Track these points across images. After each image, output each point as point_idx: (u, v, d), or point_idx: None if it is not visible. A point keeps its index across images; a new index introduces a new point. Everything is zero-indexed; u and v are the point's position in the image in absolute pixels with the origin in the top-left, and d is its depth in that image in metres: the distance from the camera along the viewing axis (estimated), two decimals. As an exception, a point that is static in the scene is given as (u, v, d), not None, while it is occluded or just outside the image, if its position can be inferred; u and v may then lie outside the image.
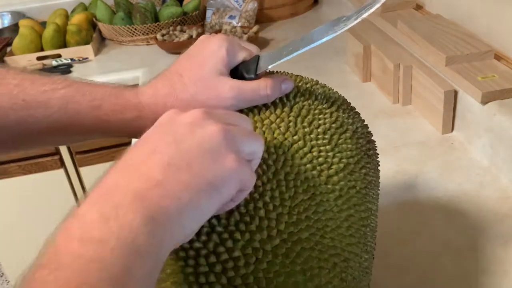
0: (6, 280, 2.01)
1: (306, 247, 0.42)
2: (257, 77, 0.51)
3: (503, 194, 0.77)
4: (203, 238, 0.40)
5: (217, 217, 0.40)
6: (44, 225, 1.55)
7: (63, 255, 0.29)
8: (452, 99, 0.89)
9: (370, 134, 0.57)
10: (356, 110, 0.57)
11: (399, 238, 0.70)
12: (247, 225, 0.40)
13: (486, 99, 0.82)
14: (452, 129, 0.92)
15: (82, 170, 1.50)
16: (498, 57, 0.91)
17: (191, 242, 0.40)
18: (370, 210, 0.50)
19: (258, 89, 0.49)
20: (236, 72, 0.51)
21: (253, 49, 0.53)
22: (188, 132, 0.36)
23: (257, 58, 0.52)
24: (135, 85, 0.55)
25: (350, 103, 0.57)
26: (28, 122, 0.50)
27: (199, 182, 0.34)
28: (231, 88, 0.49)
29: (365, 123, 0.57)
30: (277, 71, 0.57)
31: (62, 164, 1.49)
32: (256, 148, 0.39)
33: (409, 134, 0.94)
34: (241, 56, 0.52)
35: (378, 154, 0.57)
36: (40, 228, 1.55)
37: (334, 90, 0.57)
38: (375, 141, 0.57)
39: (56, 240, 0.30)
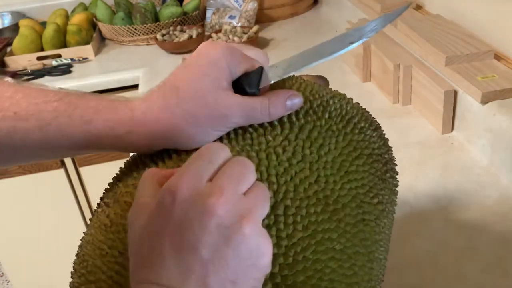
0: (6, 280, 2.02)
1: None
2: (259, 91, 0.47)
3: (503, 194, 0.77)
4: None
5: None
6: (44, 225, 1.55)
7: None
8: (452, 99, 0.89)
9: (389, 152, 0.52)
10: (378, 126, 0.53)
11: (399, 238, 0.70)
12: None
13: (486, 99, 0.82)
14: (452, 129, 0.92)
15: (82, 170, 1.50)
16: (498, 57, 0.91)
17: None
18: (380, 242, 0.46)
19: (260, 107, 0.45)
20: (237, 84, 0.47)
21: (259, 57, 0.49)
22: (224, 244, 0.33)
23: (260, 70, 0.47)
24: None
25: (371, 117, 0.53)
26: (18, 134, 0.48)
27: None
28: (231, 105, 0.45)
29: (385, 138, 0.52)
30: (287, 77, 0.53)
31: (62, 164, 1.49)
32: (264, 210, 0.37)
33: (409, 134, 0.94)
34: (243, 67, 0.47)
35: (397, 172, 0.53)
36: (40, 228, 1.56)
37: (355, 103, 0.52)
38: (395, 159, 0.53)
39: None
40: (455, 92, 0.89)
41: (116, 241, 0.42)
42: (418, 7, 1.19)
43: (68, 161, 1.49)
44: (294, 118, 0.46)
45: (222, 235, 0.33)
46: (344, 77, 1.19)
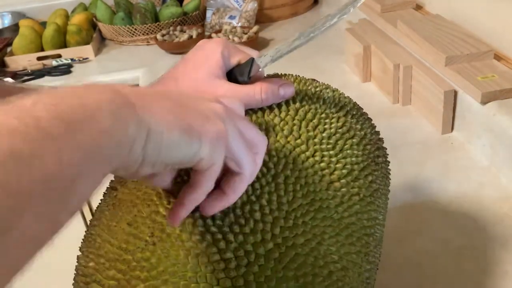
0: (6, 280, 2.01)
1: (301, 253, 0.41)
2: (250, 80, 0.50)
3: (503, 194, 0.77)
4: (197, 237, 0.40)
5: (212, 217, 0.40)
6: (44, 225, 1.55)
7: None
8: (452, 99, 0.89)
9: (380, 141, 0.55)
10: (369, 117, 0.56)
11: (399, 238, 0.70)
12: (241, 227, 0.40)
13: (486, 99, 0.82)
14: (452, 129, 0.92)
15: (82, 170, 1.50)
16: (498, 57, 0.91)
17: (183, 241, 0.40)
18: (375, 219, 0.49)
19: (253, 93, 0.49)
20: (231, 75, 0.51)
21: (250, 52, 0.53)
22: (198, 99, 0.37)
23: (251, 61, 0.51)
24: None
25: (362, 109, 0.56)
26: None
27: (183, 119, 0.34)
28: (225, 91, 0.49)
29: (375, 128, 0.56)
30: (285, 74, 0.57)
31: (62, 164, 1.49)
32: (258, 141, 0.39)
33: (409, 134, 0.94)
34: (236, 58, 0.51)
35: (388, 162, 0.56)
36: (40, 228, 1.56)
37: (346, 95, 0.56)
38: (386, 149, 0.56)
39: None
40: (455, 92, 0.89)
41: (124, 215, 0.43)
42: (418, 7, 1.19)
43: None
44: (291, 103, 0.50)
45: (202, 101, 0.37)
46: (344, 77, 1.19)
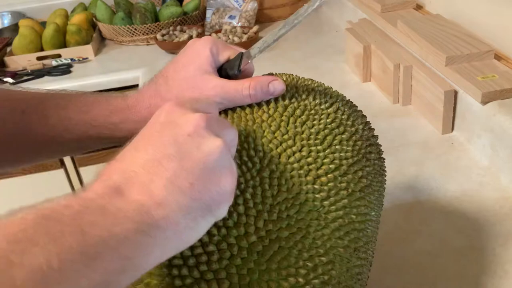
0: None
1: (285, 246, 0.41)
2: (240, 73, 0.51)
3: (503, 194, 0.77)
4: None
5: None
6: (44, 225, 1.55)
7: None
8: (452, 99, 0.89)
9: (374, 137, 0.55)
10: (363, 114, 0.56)
11: (399, 237, 0.70)
12: (224, 220, 0.40)
13: (486, 99, 0.82)
14: (452, 129, 0.92)
15: (82, 170, 1.50)
16: (498, 57, 0.91)
17: None
18: (366, 215, 0.49)
19: (241, 88, 0.49)
20: (221, 71, 0.52)
21: (239, 50, 0.54)
22: (193, 147, 0.35)
23: (240, 55, 0.52)
24: (135, 86, 0.58)
25: (355, 106, 0.56)
26: (25, 130, 0.52)
27: (199, 207, 0.34)
28: (214, 86, 0.49)
29: (370, 126, 0.56)
30: (277, 74, 0.56)
31: (62, 164, 1.49)
32: (234, 137, 0.40)
33: (409, 134, 0.94)
34: (226, 54, 0.52)
35: (383, 158, 0.56)
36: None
37: (339, 93, 0.56)
38: (380, 145, 0.56)
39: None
40: (455, 92, 0.89)
41: None
42: (418, 7, 1.19)
43: (68, 161, 1.49)
44: (280, 100, 0.50)
45: (196, 142, 0.35)
46: (344, 77, 1.19)
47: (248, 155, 0.44)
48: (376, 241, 0.53)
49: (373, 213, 0.50)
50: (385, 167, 0.56)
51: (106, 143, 0.55)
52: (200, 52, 0.51)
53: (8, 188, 1.49)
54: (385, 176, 0.56)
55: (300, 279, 0.41)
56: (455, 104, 0.90)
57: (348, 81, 1.16)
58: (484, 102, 0.83)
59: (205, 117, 0.37)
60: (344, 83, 1.15)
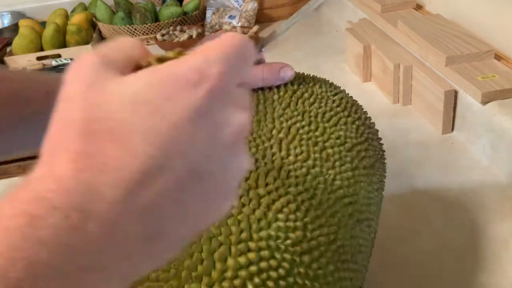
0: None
1: (293, 202, 0.43)
2: (261, 51, 0.57)
3: (503, 194, 0.77)
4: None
5: None
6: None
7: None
8: (452, 99, 0.89)
9: (375, 129, 0.58)
10: (364, 110, 0.59)
11: (399, 237, 0.70)
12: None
13: (486, 99, 0.82)
14: (452, 129, 0.92)
15: (82, 170, 1.50)
16: (498, 57, 0.91)
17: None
18: (369, 193, 0.51)
19: (255, 72, 0.52)
20: None
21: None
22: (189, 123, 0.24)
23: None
24: None
25: (356, 100, 0.59)
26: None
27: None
28: None
29: (371, 121, 0.59)
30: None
31: (62, 164, 1.49)
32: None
33: (409, 134, 0.94)
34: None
35: (384, 150, 0.58)
36: (40, 228, 1.55)
37: (342, 88, 0.60)
38: (381, 138, 0.58)
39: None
40: (455, 92, 0.89)
41: None
42: (418, 7, 1.19)
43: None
44: (289, 85, 0.54)
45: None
46: (344, 77, 1.19)
47: (260, 126, 0.48)
48: (378, 226, 0.55)
49: (375, 193, 0.53)
50: (385, 158, 0.59)
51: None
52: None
53: (8, 188, 1.49)
54: (385, 166, 0.58)
55: (308, 234, 0.43)
56: (455, 104, 0.90)
57: (348, 81, 1.16)
58: (484, 102, 0.83)
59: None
60: (344, 83, 1.15)
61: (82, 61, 0.25)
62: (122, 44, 0.27)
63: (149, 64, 0.26)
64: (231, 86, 0.26)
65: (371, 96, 1.09)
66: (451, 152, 0.88)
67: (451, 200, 0.76)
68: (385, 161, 0.59)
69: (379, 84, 1.11)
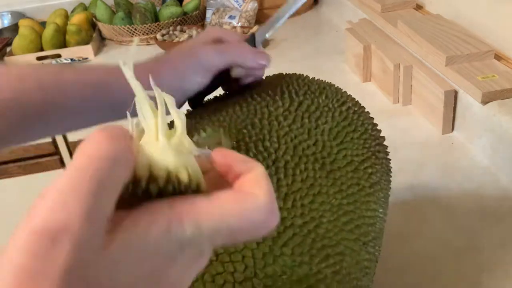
0: (6, 280, 2.01)
1: (299, 234, 0.42)
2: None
3: (503, 194, 0.77)
4: None
5: None
6: (44, 225, 1.55)
7: None
8: (452, 99, 0.89)
9: (382, 138, 0.56)
10: (371, 116, 0.57)
11: (399, 237, 0.70)
12: None
13: (486, 99, 0.82)
14: (452, 129, 0.92)
15: (82, 170, 1.50)
16: (498, 57, 0.91)
17: None
18: (375, 211, 0.50)
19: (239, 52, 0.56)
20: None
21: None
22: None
23: (253, 36, 0.59)
24: None
25: (363, 106, 0.58)
26: (23, 99, 0.50)
27: None
28: (205, 47, 0.55)
29: (377, 127, 0.57)
30: (288, 74, 0.58)
31: (62, 164, 1.49)
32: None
33: (409, 134, 0.94)
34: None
35: (389, 159, 0.57)
36: (40, 228, 1.56)
37: (347, 93, 0.58)
38: (387, 147, 0.57)
39: None
40: (455, 92, 0.89)
41: None
42: (418, 7, 1.19)
43: (68, 161, 1.49)
44: (294, 96, 0.52)
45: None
46: (344, 77, 1.19)
47: (264, 145, 0.46)
48: (383, 238, 0.54)
49: (380, 210, 0.51)
50: (391, 167, 0.57)
51: (107, 110, 0.54)
52: (206, 32, 0.58)
53: (8, 188, 1.49)
54: (391, 176, 0.57)
55: (313, 267, 0.42)
56: (455, 104, 0.90)
57: (348, 81, 1.16)
58: (484, 102, 0.83)
59: None
60: (344, 83, 1.14)
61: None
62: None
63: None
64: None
65: (371, 96, 1.09)
66: (451, 152, 0.88)
67: (450, 200, 0.76)
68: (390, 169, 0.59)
69: (379, 84, 1.11)
